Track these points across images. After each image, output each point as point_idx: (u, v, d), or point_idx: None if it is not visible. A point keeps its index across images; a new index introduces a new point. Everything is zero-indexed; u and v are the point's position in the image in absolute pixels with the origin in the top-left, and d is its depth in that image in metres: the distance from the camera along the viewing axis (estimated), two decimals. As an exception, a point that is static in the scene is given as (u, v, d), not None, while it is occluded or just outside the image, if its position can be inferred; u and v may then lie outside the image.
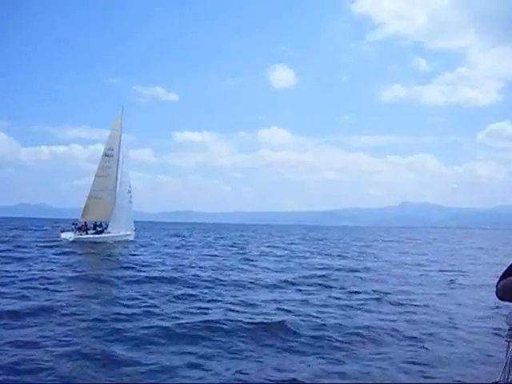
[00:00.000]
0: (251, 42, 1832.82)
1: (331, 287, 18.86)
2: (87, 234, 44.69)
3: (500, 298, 2.95)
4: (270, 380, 8.40)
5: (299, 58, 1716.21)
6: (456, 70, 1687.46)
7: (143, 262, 27.51)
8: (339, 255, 36.69)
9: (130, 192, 47.52)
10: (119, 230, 45.71)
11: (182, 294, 16.10)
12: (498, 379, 3.08)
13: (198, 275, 21.02)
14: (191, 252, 36.68)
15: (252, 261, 30.22)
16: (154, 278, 19.98)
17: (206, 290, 17.20)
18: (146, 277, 20.15)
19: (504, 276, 2.96)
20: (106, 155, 47.90)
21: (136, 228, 50.39)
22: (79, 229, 45.13)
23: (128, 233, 47.22)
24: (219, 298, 15.69)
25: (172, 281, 19.25)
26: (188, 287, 17.76)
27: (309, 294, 17.04)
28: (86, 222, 45.92)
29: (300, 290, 18.00)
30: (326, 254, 39.09)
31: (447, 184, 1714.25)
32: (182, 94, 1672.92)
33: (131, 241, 46.69)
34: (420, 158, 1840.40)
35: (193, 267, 25.10)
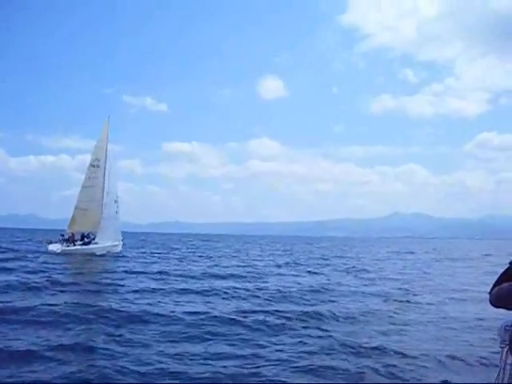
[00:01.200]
0: (241, 52, 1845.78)
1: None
2: (74, 245, 44.28)
3: (493, 305, 3.00)
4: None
5: (289, 69, 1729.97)
6: (444, 81, 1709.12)
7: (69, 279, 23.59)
8: (309, 271, 31.93)
9: (116, 202, 47.32)
10: (106, 240, 45.38)
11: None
12: None
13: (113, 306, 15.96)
14: (152, 266, 32.82)
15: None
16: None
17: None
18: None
19: (497, 283, 3.02)
20: (92, 166, 47.69)
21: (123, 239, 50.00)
22: (66, 240, 44.80)
23: (115, 243, 46.80)
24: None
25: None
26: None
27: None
28: (73, 233, 45.55)
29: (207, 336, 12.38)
30: (296, 264, 38.86)
31: (436, 194, 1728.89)
32: (171, 104, 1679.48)
33: (118, 252, 46.17)
34: (409, 169, 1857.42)
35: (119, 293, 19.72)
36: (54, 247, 42.86)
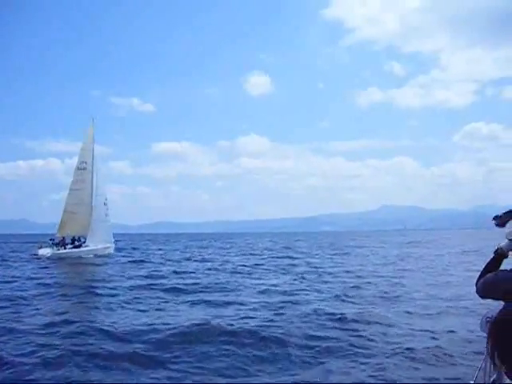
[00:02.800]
0: (226, 50, 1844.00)
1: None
2: (65, 249, 44.13)
3: (480, 296, 2.96)
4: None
5: (275, 65, 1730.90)
6: (430, 73, 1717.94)
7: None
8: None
9: (106, 204, 47.27)
10: (97, 243, 45.29)
11: None
12: (477, 377, 3.26)
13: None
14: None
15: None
16: None
17: None
18: None
19: (483, 273, 3.01)
20: (78, 168, 47.48)
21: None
22: (56, 244, 44.58)
23: (107, 245, 46.72)
24: None
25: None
26: None
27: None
28: (64, 237, 45.35)
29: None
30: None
31: (427, 186, 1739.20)
32: (158, 104, 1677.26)
33: (109, 254, 45.93)
34: (398, 161, 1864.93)
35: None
36: (45, 251, 42.57)
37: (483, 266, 3.08)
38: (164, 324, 13.34)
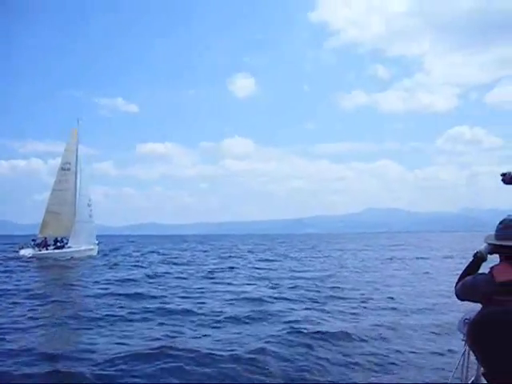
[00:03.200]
0: (213, 52, 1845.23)
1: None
2: (47, 249, 43.75)
3: (459, 299, 3.14)
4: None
5: (261, 67, 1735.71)
6: (414, 77, 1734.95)
7: None
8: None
9: (89, 205, 46.90)
10: (80, 244, 44.92)
11: None
12: (452, 378, 3.44)
13: None
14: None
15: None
16: None
17: None
18: None
19: (462, 277, 3.18)
20: (62, 169, 47.32)
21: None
22: (38, 245, 44.24)
23: (90, 247, 46.32)
24: None
25: None
26: None
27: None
28: (46, 238, 44.96)
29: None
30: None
31: (410, 189, 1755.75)
32: (142, 105, 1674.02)
33: (93, 255, 45.44)
34: (383, 164, 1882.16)
35: None
36: (26, 252, 42.18)
37: (462, 269, 3.24)
38: (110, 342, 11.70)
